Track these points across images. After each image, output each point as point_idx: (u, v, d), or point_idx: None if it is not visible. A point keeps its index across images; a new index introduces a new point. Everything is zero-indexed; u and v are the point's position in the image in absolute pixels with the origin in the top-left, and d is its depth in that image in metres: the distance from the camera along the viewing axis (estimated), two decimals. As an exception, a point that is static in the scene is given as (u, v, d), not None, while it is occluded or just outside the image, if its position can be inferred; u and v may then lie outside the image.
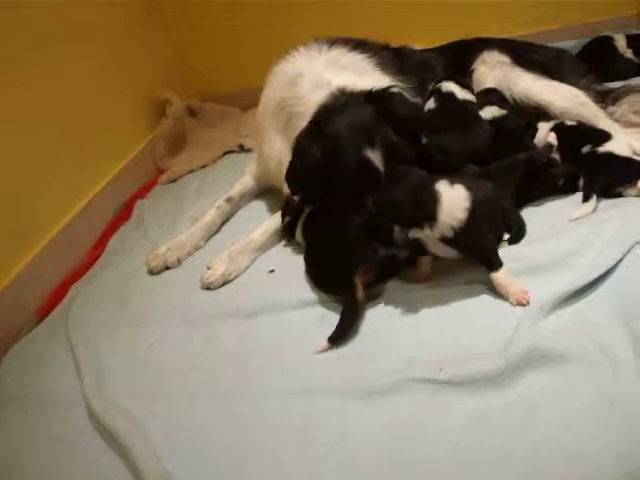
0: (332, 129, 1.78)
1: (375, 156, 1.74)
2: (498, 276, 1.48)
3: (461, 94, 2.12)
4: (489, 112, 2.06)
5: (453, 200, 1.48)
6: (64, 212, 2.39)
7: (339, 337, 1.49)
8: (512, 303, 1.44)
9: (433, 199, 1.47)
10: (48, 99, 2.37)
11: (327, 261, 1.72)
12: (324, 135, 1.78)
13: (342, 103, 1.84)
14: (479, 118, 2.04)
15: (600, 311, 1.37)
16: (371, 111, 1.80)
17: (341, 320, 1.52)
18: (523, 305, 1.42)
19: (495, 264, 1.49)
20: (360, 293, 1.56)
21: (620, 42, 2.74)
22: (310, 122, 1.86)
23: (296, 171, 1.82)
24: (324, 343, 1.49)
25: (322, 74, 1.99)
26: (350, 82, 1.91)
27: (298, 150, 1.83)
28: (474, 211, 1.48)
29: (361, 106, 1.81)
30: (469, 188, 1.51)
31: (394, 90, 1.90)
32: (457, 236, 1.48)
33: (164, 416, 1.43)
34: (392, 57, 2.28)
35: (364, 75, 2.04)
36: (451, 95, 2.11)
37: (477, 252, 1.53)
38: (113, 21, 2.96)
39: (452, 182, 1.52)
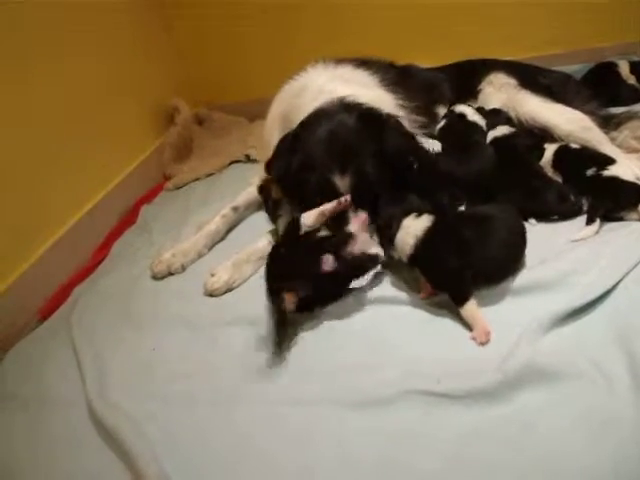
0: (310, 143, 1.81)
1: (342, 183, 1.76)
2: (464, 309, 1.50)
3: (472, 116, 2.15)
4: (500, 130, 2.09)
5: (408, 229, 1.63)
6: (69, 214, 2.41)
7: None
8: (474, 339, 1.45)
9: (395, 229, 1.65)
10: (57, 103, 2.40)
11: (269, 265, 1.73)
12: (302, 146, 1.82)
13: (333, 114, 1.86)
14: (483, 143, 2.07)
15: (597, 331, 1.38)
16: (358, 133, 1.80)
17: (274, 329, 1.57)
18: (482, 344, 1.43)
19: (458, 299, 1.51)
20: (285, 306, 1.58)
21: (624, 68, 2.76)
22: (300, 123, 1.89)
23: (273, 165, 1.93)
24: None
25: (325, 85, 2.03)
26: (353, 93, 1.93)
27: (278, 150, 1.91)
28: (428, 239, 1.59)
29: (350, 124, 1.82)
30: (434, 219, 1.63)
31: (390, 116, 1.90)
32: (413, 258, 1.61)
33: (164, 419, 1.43)
34: (397, 75, 2.30)
35: (368, 89, 2.07)
36: (462, 116, 2.15)
37: (439, 280, 1.58)
38: (123, 27, 3.00)
39: (420, 214, 1.66)
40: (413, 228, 1.62)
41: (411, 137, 1.95)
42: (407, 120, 2.08)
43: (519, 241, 1.62)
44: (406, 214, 1.67)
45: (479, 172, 1.95)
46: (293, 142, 1.87)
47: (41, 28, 2.34)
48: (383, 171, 1.79)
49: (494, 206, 1.73)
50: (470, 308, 1.49)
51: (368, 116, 1.85)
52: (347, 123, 1.83)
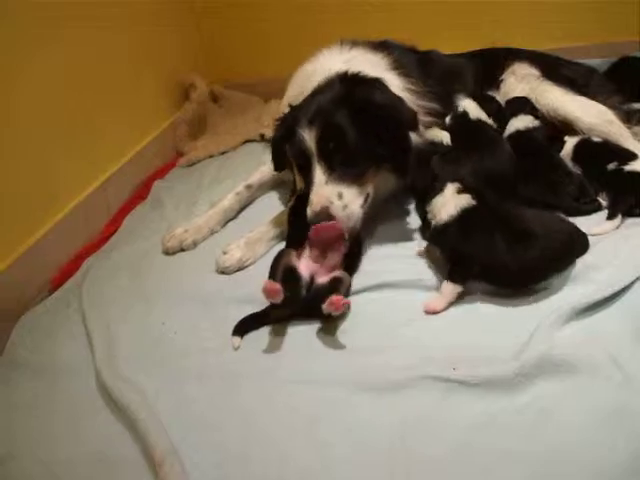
0: (295, 109, 1.90)
1: (309, 136, 1.76)
2: (445, 285, 1.56)
3: (475, 113, 2.11)
4: (523, 121, 2.06)
5: (447, 200, 1.65)
6: (82, 187, 2.39)
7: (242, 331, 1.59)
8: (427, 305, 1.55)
9: (437, 190, 1.69)
10: (73, 74, 2.36)
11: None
12: (290, 115, 1.91)
13: (323, 85, 1.91)
14: (498, 140, 2.03)
15: (614, 325, 1.39)
16: (334, 92, 1.84)
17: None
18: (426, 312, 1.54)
19: (451, 275, 1.57)
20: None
21: (647, 63, 2.73)
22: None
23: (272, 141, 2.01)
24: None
25: (334, 68, 2.01)
26: (354, 70, 1.92)
27: (275, 127, 2.00)
28: (463, 219, 1.60)
29: (331, 87, 1.87)
30: (474, 205, 1.61)
31: (377, 79, 1.87)
32: (444, 228, 1.62)
33: (172, 393, 1.43)
34: (415, 61, 2.28)
35: (375, 72, 2.00)
36: (464, 115, 2.11)
37: (452, 256, 1.61)
38: (144, 1, 2.96)
39: (461, 190, 1.66)
40: (452, 203, 1.63)
41: (394, 97, 1.85)
42: (414, 105, 2.02)
43: (551, 268, 1.55)
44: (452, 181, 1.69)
45: (497, 169, 1.92)
46: (286, 116, 1.94)
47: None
48: (355, 125, 1.77)
49: (548, 220, 1.62)
50: (452, 288, 1.55)
51: (351, 79, 1.87)
52: (329, 87, 1.88)
